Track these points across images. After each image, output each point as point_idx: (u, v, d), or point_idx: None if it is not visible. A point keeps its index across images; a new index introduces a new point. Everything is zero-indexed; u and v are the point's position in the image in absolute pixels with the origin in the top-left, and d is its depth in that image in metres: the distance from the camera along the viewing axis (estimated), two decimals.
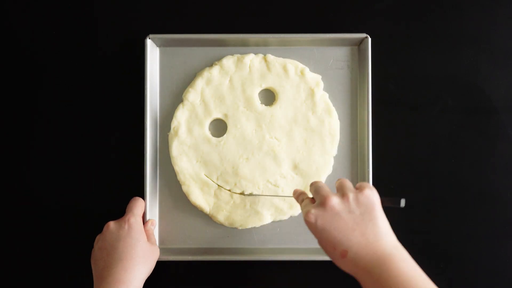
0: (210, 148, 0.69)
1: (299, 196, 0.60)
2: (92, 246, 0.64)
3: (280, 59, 0.70)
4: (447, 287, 0.70)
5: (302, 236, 0.69)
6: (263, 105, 0.70)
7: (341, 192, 0.54)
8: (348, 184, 0.55)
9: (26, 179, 0.71)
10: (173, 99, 0.71)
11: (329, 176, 0.70)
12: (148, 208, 0.67)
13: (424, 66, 0.71)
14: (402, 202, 0.54)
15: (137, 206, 0.66)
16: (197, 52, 0.71)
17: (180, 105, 0.70)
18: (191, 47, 0.71)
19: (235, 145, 0.69)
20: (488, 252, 0.70)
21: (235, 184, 0.69)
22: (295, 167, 0.69)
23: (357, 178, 0.70)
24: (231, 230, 0.70)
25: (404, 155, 0.71)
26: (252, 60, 0.70)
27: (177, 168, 0.69)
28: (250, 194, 0.69)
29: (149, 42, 0.68)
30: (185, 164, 0.69)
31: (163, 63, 0.71)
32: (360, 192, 0.53)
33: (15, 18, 0.72)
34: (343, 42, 0.70)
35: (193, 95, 0.69)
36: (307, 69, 0.70)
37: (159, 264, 0.66)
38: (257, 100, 0.70)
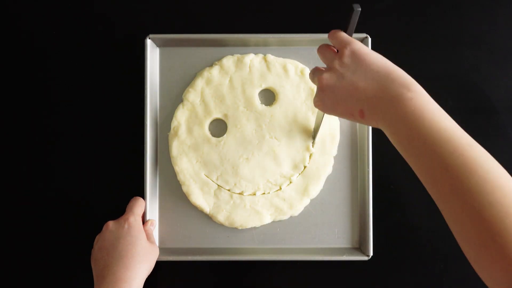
0: (210, 148, 0.69)
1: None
2: (92, 246, 0.64)
3: (280, 59, 0.70)
4: (447, 287, 0.70)
5: (302, 236, 0.69)
6: (263, 105, 0.70)
7: (327, 65, 0.54)
8: (327, 53, 0.54)
9: (26, 179, 0.71)
10: (173, 99, 0.71)
11: (329, 176, 0.70)
12: (148, 208, 0.67)
13: (424, 66, 0.71)
14: (355, 7, 0.52)
15: (137, 205, 0.66)
16: (197, 52, 0.71)
17: (180, 105, 0.70)
18: (191, 47, 0.71)
19: (235, 145, 0.69)
20: None
21: (235, 184, 0.69)
22: (295, 167, 0.69)
23: (357, 178, 0.70)
24: (231, 230, 0.70)
25: None
26: (252, 60, 0.70)
27: (177, 168, 0.69)
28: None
29: (149, 42, 0.68)
30: (185, 164, 0.69)
31: (163, 63, 0.71)
32: (340, 58, 0.52)
33: (15, 18, 0.72)
34: None
35: (193, 95, 0.69)
36: (307, 69, 0.70)
37: (159, 264, 0.66)
38: (257, 100, 0.70)
